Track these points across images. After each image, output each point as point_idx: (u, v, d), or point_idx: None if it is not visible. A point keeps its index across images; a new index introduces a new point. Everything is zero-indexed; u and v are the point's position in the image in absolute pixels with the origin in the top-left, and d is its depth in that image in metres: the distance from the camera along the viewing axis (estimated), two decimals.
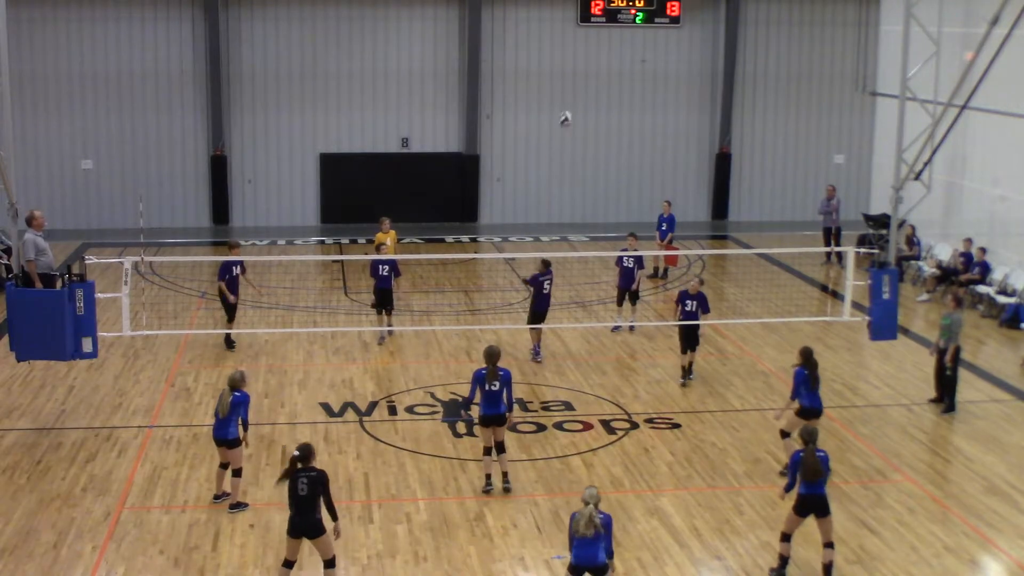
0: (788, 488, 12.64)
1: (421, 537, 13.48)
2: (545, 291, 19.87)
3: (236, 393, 14.00)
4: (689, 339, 18.88)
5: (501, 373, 14.41)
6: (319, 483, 11.64)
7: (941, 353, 18.03)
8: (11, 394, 18.26)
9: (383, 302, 20.96)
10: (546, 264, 19.96)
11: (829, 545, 12.41)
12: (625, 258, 21.66)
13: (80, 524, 13.73)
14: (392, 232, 23.08)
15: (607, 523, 11.27)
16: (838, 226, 28.18)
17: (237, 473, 14.26)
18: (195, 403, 18.00)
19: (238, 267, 20.51)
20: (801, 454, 12.33)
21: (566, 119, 27.40)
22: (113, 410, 17.68)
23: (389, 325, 21.13)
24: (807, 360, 15.07)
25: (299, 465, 11.68)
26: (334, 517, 11.75)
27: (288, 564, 11.96)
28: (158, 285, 25.46)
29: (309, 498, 11.62)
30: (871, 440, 16.74)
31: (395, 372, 19.63)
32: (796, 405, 15.06)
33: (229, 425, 14.05)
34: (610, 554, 11.34)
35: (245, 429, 14.16)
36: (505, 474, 14.76)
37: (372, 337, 21.25)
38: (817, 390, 15.10)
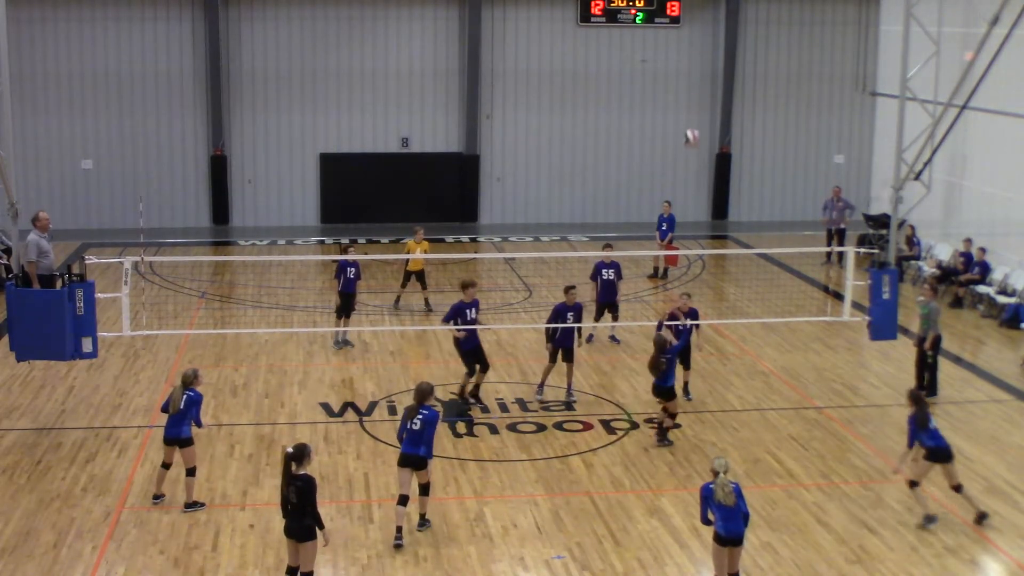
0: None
1: (421, 537, 13.48)
2: (568, 320, 17.98)
3: (189, 392, 13.99)
4: (683, 359, 17.95)
5: (424, 412, 13.23)
6: (306, 492, 11.52)
7: (922, 342, 18.38)
8: (11, 394, 18.26)
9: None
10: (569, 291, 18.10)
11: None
12: (604, 271, 20.62)
13: (80, 524, 13.73)
14: (424, 243, 23.27)
15: (737, 491, 11.48)
16: (841, 227, 28.17)
17: (191, 472, 14.18)
18: None
19: (353, 269, 20.50)
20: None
21: (690, 139, 25.73)
22: (113, 410, 17.68)
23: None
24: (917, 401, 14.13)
25: (293, 466, 11.52)
26: (320, 526, 11.63)
27: (291, 571, 11.85)
28: (158, 285, 25.47)
29: (298, 505, 11.54)
30: (871, 440, 16.74)
31: (395, 372, 19.62)
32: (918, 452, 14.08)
33: (182, 424, 13.98)
34: (746, 518, 11.55)
35: (199, 425, 14.20)
36: (423, 515, 13.68)
37: (372, 337, 21.25)
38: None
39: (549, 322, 18.16)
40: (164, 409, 14.22)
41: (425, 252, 23.22)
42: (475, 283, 18.01)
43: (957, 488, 13.98)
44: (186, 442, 14.02)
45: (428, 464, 13.43)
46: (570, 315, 17.95)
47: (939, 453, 13.81)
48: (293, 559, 11.80)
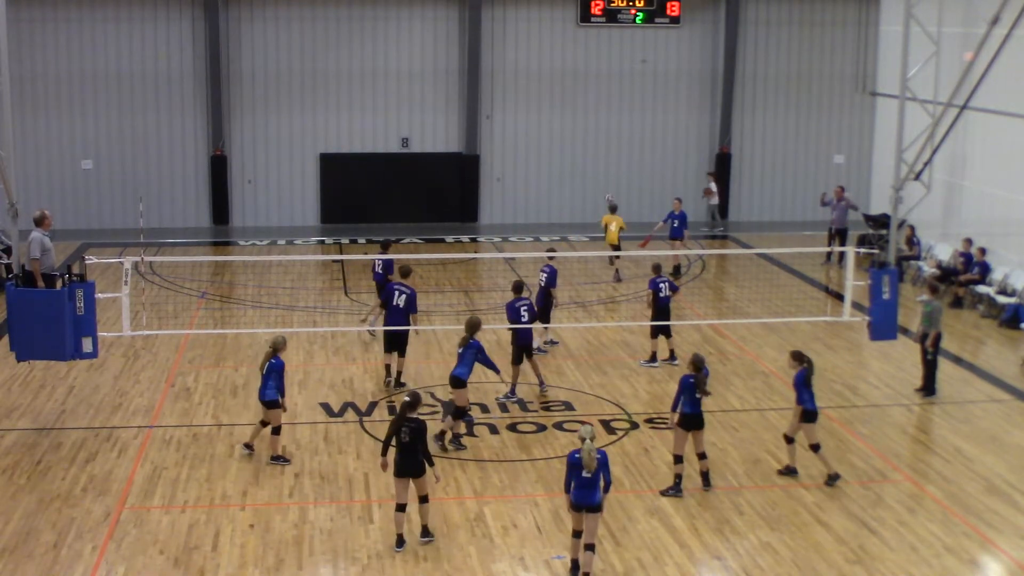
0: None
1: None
2: (523, 319, 18.17)
3: (272, 360, 15.22)
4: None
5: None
6: (419, 432, 12.98)
7: (924, 339, 18.48)
8: (11, 394, 18.26)
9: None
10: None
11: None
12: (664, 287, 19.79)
13: (80, 524, 13.73)
14: (618, 218, 25.20)
15: (603, 460, 12.21)
16: (843, 227, 28.17)
17: (276, 431, 15.42)
18: (195, 403, 18.00)
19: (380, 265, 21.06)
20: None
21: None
22: (113, 410, 17.68)
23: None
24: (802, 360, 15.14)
25: (407, 413, 12.92)
26: (430, 463, 13.07)
27: (401, 508, 13.10)
28: (158, 285, 25.46)
29: (411, 444, 12.93)
30: (871, 440, 16.74)
31: None
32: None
33: (266, 387, 15.25)
34: (607, 487, 12.27)
35: (282, 395, 15.33)
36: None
37: (372, 337, 21.23)
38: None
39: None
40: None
41: (620, 228, 25.28)
42: (411, 270, 19.04)
43: (815, 447, 15.06)
44: (270, 404, 15.26)
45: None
46: (522, 307, 18.21)
47: (812, 415, 14.93)
48: (402, 497, 13.09)
